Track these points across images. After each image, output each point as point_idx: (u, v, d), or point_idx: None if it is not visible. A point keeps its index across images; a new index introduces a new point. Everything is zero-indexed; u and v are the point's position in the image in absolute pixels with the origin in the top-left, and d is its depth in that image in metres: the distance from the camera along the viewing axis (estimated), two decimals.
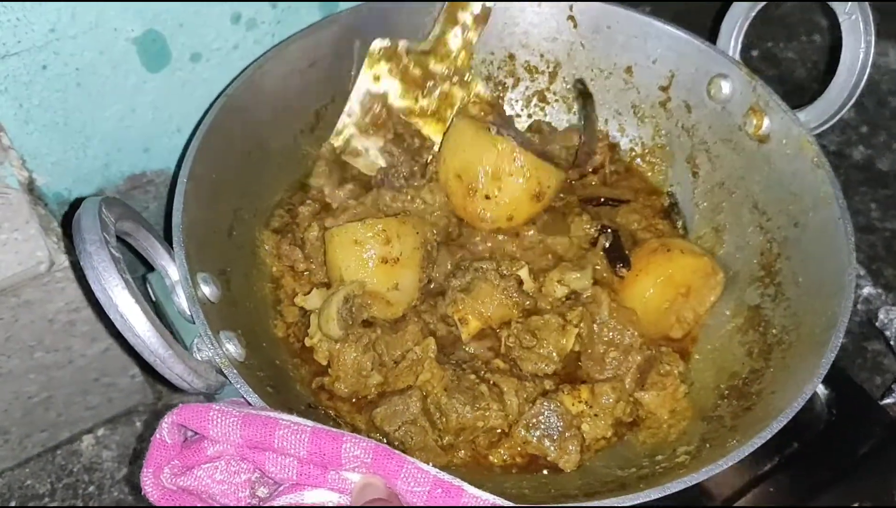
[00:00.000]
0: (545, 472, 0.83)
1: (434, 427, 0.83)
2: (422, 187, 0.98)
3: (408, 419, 0.82)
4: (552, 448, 0.82)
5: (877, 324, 1.12)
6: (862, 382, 1.15)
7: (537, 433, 0.83)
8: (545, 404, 0.83)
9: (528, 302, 0.91)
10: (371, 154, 1.06)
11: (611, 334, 0.89)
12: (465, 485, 0.63)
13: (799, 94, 1.17)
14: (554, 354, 0.87)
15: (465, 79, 1.07)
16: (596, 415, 0.85)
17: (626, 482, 0.77)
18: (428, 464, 0.64)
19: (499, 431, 0.85)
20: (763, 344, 0.87)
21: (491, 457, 0.84)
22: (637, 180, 1.09)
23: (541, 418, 0.83)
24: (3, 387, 1.02)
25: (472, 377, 0.85)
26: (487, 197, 0.96)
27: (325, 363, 0.88)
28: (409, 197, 0.97)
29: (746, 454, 0.68)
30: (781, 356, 0.83)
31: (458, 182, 0.97)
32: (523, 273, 0.92)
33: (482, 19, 1.04)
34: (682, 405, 0.87)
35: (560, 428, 0.83)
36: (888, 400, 1.02)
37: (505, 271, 0.91)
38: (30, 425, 1.06)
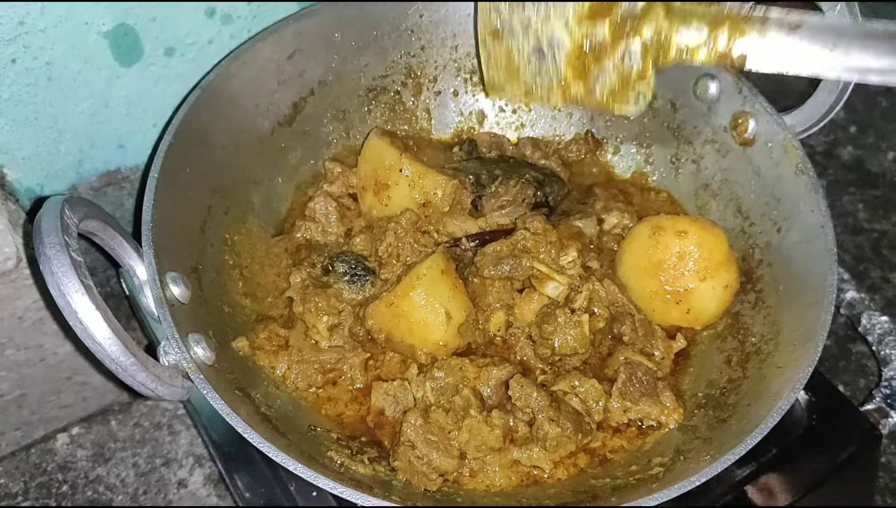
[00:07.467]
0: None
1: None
2: None
3: None
4: (653, 408, 0.82)
5: (859, 329, 1.11)
6: (846, 384, 1.14)
7: (638, 395, 0.82)
8: (631, 367, 0.83)
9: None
10: None
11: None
12: None
13: (783, 93, 1.15)
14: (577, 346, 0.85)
15: None
16: (663, 359, 0.88)
17: (599, 492, 0.76)
18: None
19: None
20: (741, 353, 0.86)
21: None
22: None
23: (633, 381, 0.83)
24: None
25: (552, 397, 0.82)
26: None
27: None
28: None
29: (720, 470, 0.67)
30: (758, 367, 0.82)
31: None
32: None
33: None
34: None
35: (650, 383, 0.83)
36: (868, 406, 1.01)
37: None
38: (3, 423, 1.06)
